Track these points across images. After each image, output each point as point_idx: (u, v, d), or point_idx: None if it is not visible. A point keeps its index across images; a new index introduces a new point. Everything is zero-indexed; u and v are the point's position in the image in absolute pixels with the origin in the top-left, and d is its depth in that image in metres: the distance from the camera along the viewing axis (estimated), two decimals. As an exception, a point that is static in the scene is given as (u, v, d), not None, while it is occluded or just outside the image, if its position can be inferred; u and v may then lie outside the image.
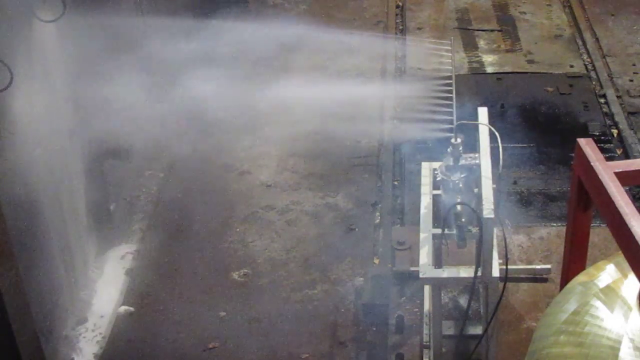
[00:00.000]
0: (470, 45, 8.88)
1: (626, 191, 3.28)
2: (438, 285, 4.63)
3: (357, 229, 6.52)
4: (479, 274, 4.43)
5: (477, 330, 5.22)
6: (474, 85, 8.15)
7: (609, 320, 3.20)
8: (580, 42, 8.84)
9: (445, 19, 9.45)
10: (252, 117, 7.85)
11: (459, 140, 4.51)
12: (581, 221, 3.70)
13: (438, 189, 4.80)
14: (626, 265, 3.20)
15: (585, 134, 7.27)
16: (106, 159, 6.45)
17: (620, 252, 3.24)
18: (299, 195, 6.91)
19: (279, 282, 6.08)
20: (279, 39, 9.11)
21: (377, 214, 6.67)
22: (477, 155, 4.63)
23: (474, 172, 4.56)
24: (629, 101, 7.85)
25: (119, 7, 6.87)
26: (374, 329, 5.66)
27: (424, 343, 5.32)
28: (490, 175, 4.52)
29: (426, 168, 5.10)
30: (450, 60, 5.82)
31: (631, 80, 8.14)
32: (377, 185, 6.95)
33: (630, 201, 3.17)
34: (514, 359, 5.15)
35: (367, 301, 5.73)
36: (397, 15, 9.63)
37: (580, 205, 3.63)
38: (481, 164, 4.56)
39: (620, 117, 7.57)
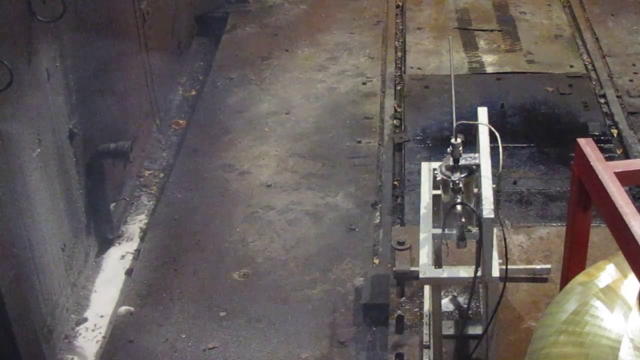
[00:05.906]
0: (470, 45, 8.87)
1: (626, 191, 3.29)
2: (438, 285, 4.63)
3: (357, 229, 6.52)
4: (479, 274, 4.43)
5: (477, 330, 5.22)
6: (474, 85, 8.14)
7: (609, 320, 3.20)
8: (580, 42, 8.83)
9: (445, 19, 9.45)
10: (252, 117, 7.85)
11: (459, 140, 4.50)
12: (581, 221, 3.71)
13: (438, 189, 4.79)
14: (626, 265, 3.21)
15: (585, 134, 7.27)
16: (106, 159, 6.45)
17: (620, 252, 3.25)
18: (299, 195, 6.90)
19: (279, 282, 6.08)
20: (278, 38, 9.12)
21: (377, 214, 6.66)
22: (477, 155, 4.63)
23: (472, 172, 4.55)
24: (629, 101, 7.84)
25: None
26: (374, 329, 5.66)
27: (424, 343, 5.32)
28: (490, 175, 4.51)
29: (425, 168, 5.09)
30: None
31: (631, 80, 8.13)
32: (377, 185, 6.95)
33: (630, 201, 3.18)
34: (514, 359, 5.15)
35: (367, 301, 5.73)
36: (397, 15, 9.63)
37: (580, 205, 3.63)
38: (481, 164, 4.56)
39: (620, 117, 7.56)
